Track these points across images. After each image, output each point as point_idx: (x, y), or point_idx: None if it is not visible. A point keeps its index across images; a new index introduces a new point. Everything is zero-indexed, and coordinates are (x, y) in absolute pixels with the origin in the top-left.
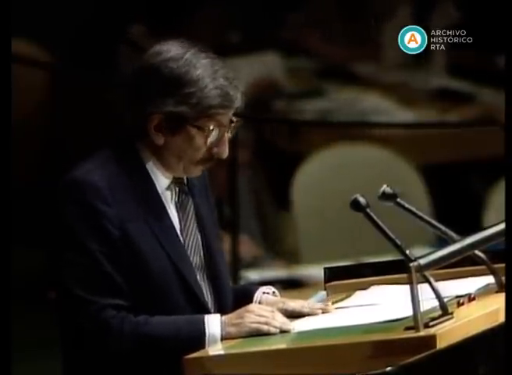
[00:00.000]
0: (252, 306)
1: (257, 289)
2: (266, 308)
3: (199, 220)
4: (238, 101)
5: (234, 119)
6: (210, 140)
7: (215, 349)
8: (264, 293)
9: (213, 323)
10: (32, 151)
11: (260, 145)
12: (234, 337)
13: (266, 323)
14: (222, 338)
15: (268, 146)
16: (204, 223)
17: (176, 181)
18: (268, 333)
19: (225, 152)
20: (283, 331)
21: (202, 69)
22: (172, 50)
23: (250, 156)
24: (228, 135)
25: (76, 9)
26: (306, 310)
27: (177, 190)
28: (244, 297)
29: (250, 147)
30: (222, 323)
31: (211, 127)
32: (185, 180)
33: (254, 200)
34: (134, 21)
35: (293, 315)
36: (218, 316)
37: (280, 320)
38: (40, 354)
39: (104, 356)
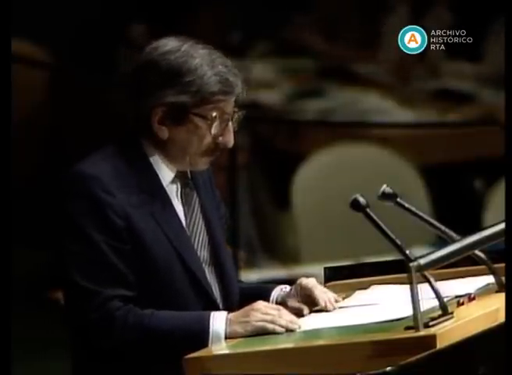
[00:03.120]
0: (258, 304)
1: (274, 287)
2: (273, 306)
3: (205, 214)
4: (239, 88)
5: (236, 109)
6: (214, 128)
7: (216, 349)
8: (282, 290)
9: (218, 320)
10: (32, 151)
11: (260, 145)
12: (239, 336)
13: (272, 322)
14: (227, 336)
15: (268, 146)
16: (210, 217)
17: (180, 175)
18: (273, 332)
19: (230, 141)
20: (288, 330)
21: (200, 58)
22: (169, 44)
23: (250, 157)
24: (232, 124)
25: (76, 9)
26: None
27: (181, 184)
28: (261, 295)
29: (249, 147)
30: (227, 320)
31: (214, 114)
32: (189, 174)
33: (254, 200)
34: (134, 21)
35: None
36: (224, 313)
37: (286, 319)
38: (40, 354)
39: (108, 347)
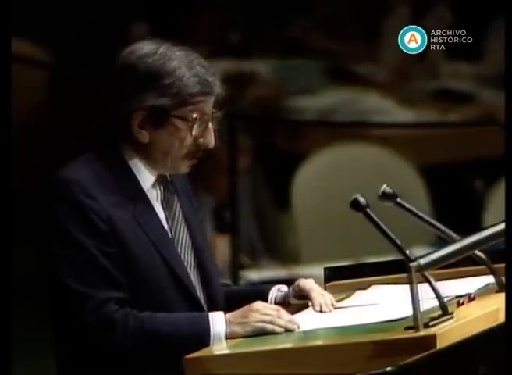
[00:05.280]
0: (257, 304)
1: (270, 288)
2: (271, 306)
3: (186, 219)
4: (218, 88)
5: (215, 110)
6: (194, 130)
7: (216, 349)
8: (279, 290)
9: (218, 321)
10: (32, 151)
11: (260, 146)
12: (239, 336)
13: (271, 322)
14: (227, 337)
15: (268, 146)
16: (191, 221)
17: (161, 179)
18: (272, 333)
19: (211, 142)
20: (287, 330)
21: (178, 60)
22: (145, 47)
23: (250, 157)
24: (212, 125)
25: (75, 9)
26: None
27: (162, 188)
28: (258, 295)
29: (250, 147)
30: (226, 321)
31: (194, 116)
32: (168, 178)
33: (254, 200)
34: (134, 21)
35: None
36: (221, 313)
37: (285, 319)
38: (40, 354)
39: (108, 350)
